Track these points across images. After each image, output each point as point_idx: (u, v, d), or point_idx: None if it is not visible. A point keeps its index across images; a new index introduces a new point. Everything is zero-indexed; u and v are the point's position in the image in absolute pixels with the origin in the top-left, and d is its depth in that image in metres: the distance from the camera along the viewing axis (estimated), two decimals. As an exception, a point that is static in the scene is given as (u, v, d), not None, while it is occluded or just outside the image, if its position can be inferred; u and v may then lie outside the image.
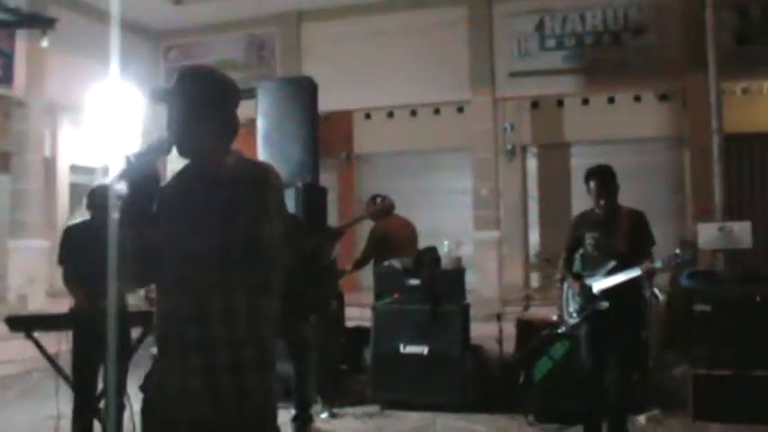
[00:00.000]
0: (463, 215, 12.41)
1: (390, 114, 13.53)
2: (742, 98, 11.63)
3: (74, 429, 5.38)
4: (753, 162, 11.57)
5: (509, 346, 7.66)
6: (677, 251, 5.63)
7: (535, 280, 13.56)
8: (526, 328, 7.69)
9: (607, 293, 5.69)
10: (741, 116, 11.23)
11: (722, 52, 10.12)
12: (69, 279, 5.61)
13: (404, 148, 13.91)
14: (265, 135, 7.63)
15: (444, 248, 7.52)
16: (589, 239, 5.86)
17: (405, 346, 7.24)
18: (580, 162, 13.47)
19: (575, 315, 5.91)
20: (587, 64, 11.44)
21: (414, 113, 13.46)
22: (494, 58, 11.83)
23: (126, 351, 5.49)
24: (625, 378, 5.78)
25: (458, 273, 7.42)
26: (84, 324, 5.15)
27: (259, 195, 2.58)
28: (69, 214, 14.25)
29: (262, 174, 2.64)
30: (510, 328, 7.71)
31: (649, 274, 5.77)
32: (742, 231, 8.50)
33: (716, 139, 8.77)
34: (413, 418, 6.89)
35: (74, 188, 14.59)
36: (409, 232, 8.69)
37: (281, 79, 7.71)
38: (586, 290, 5.79)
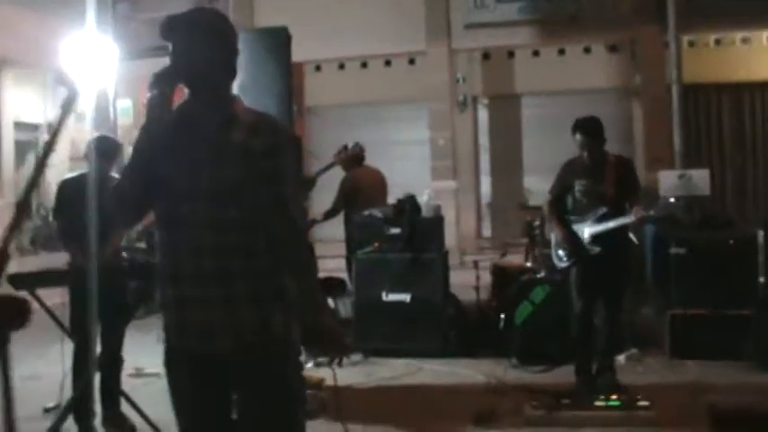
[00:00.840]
0: (418, 166, 12.52)
1: (341, 66, 13.49)
2: (688, 50, 11.93)
3: (74, 386, 5.32)
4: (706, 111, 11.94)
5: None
6: (671, 200, 5.82)
7: (486, 229, 13.81)
8: (502, 275, 7.89)
9: (597, 238, 5.88)
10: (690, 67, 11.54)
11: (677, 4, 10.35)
12: (66, 234, 5.51)
13: (355, 100, 13.90)
14: (242, 86, 7.49)
15: (424, 197, 7.60)
16: (578, 186, 6.02)
17: (387, 294, 7.35)
18: (530, 113, 13.75)
19: (565, 259, 6.07)
20: (542, 16, 11.58)
21: (364, 65, 13.45)
22: (450, 9, 11.86)
23: (123, 307, 5.46)
24: (614, 320, 6.02)
25: (438, 220, 7.52)
26: (83, 280, 5.08)
27: (282, 145, 2.68)
28: (14, 172, 13.93)
29: (280, 124, 2.78)
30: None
31: (641, 222, 5.97)
32: (700, 179, 8.81)
33: (675, 89, 9.01)
34: (397, 364, 7.01)
35: (18, 145, 14.25)
36: (379, 182, 8.75)
37: (258, 30, 7.58)
38: (574, 236, 5.96)
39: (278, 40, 7.54)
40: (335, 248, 8.69)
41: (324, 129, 14.13)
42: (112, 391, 5.44)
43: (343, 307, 8.15)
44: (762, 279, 6.70)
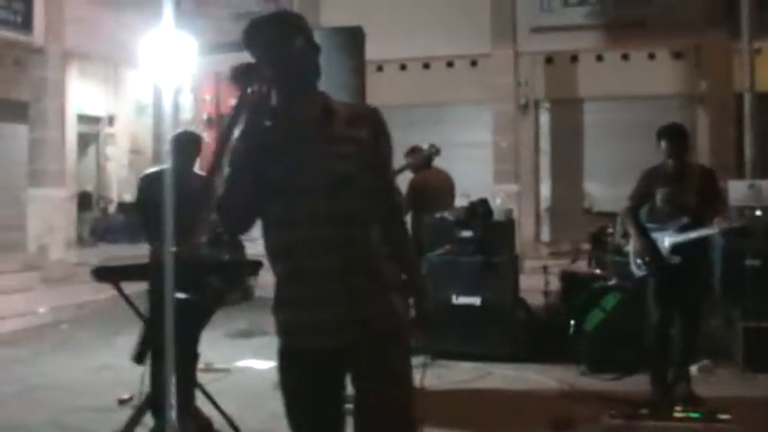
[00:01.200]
0: (479, 169, 12.50)
1: (403, 67, 13.51)
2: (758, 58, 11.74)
3: (152, 380, 5.39)
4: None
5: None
6: (758, 212, 5.75)
7: (545, 233, 13.76)
8: (571, 280, 7.85)
9: (678, 249, 5.82)
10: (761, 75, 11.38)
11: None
12: (149, 228, 5.59)
13: (418, 101, 13.90)
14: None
15: (497, 201, 7.61)
16: (660, 194, 5.96)
17: (457, 297, 7.36)
18: (592, 118, 13.65)
19: (643, 267, 6.02)
20: (608, 20, 11.50)
21: (427, 66, 13.45)
22: (516, 12, 11.83)
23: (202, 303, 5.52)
24: (692, 332, 5.97)
25: (509, 224, 7.55)
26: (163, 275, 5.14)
27: (382, 132, 2.73)
28: (76, 163, 14.16)
29: (379, 114, 2.77)
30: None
31: (723, 233, 5.92)
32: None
33: (748, 97, 8.90)
34: (466, 367, 7.01)
35: (80, 137, 14.49)
36: (447, 184, 8.76)
37: (333, 28, 7.62)
38: (653, 245, 5.90)
39: (353, 39, 7.59)
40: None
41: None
42: (188, 386, 5.51)
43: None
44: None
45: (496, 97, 12.01)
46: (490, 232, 7.42)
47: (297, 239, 2.61)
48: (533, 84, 13.47)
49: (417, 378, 2.76)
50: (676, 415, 5.28)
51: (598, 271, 7.74)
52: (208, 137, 13.64)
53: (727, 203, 6.07)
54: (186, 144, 5.55)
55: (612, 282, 7.17)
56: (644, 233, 6.00)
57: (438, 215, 7.66)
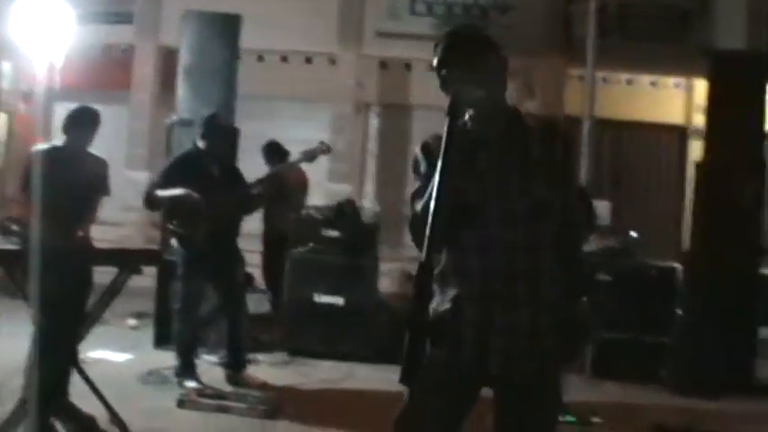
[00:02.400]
0: (315, 167, 12.38)
1: (260, 58, 13.13)
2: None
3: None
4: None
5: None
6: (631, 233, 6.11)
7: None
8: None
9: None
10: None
11: (579, 42, 10.89)
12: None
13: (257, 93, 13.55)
14: (188, 70, 7.31)
15: (365, 202, 7.62)
16: None
17: (319, 296, 7.31)
18: (420, 126, 13.96)
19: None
20: (453, 33, 11.82)
21: (284, 59, 13.08)
22: (364, 15, 11.91)
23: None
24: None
25: (375, 226, 7.58)
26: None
27: (571, 154, 2.73)
28: None
29: (569, 134, 2.80)
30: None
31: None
32: (603, 209, 9.30)
33: (587, 123, 9.50)
34: (326, 366, 6.98)
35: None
36: (303, 181, 8.71)
37: (210, 14, 7.36)
38: None
39: (230, 26, 7.41)
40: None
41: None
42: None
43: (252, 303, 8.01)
44: (679, 311, 7.15)
45: (336, 97, 12.03)
46: (356, 233, 7.43)
47: (490, 266, 2.54)
48: (366, 86, 13.53)
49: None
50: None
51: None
52: (23, 109, 12.71)
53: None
54: (82, 121, 5.16)
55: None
56: None
57: (305, 212, 7.57)
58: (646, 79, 12.99)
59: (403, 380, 2.26)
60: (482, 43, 2.67)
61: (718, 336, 6.90)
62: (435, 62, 2.68)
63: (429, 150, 2.70)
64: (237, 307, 6.28)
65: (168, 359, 6.42)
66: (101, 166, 5.29)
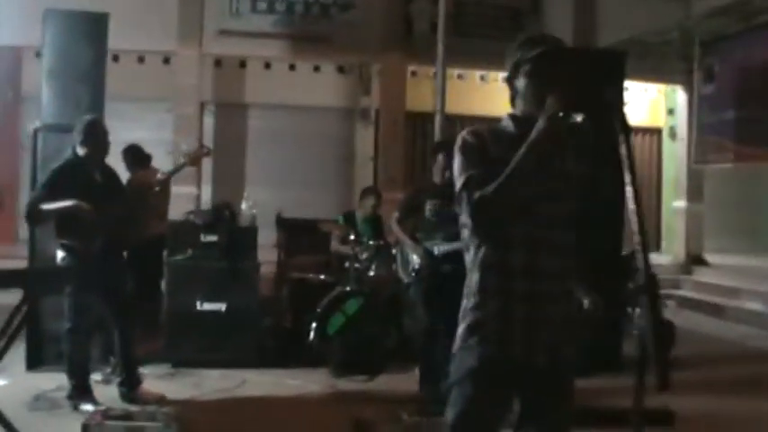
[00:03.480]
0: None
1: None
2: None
3: None
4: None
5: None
6: None
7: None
8: (299, 287, 7.96)
9: (448, 257, 6.26)
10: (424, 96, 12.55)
11: (419, 39, 11.24)
12: None
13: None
14: (51, 71, 6.88)
15: (243, 205, 7.49)
16: (429, 206, 6.35)
17: (201, 304, 7.13)
18: (256, 124, 13.88)
19: (412, 274, 6.38)
20: (294, 31, 11.82)
21: (116, 59, 12.54)
22: (204, 13, 11.64)
23: None
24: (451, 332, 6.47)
25: (253, 230, 7.46)
26: None
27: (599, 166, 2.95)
28: None
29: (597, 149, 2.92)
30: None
31: None
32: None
33: (438, 117, 9.77)
34: (214, 375, 6.81)
35: None
36: (166, 186, 8.42)
37: (74, 13, 6.94)
38: (428, 252, 6.30)
39: (97, 25, 7.06)
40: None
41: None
42: None
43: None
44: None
45: (179, 97, 11.68)
46: (235, 237, 7.30)
47: (526, 264, 2.73)
48: (200, 86, 13.27)
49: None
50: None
51: (322, 277, 7.96)
52: None
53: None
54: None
55: (350, 288, 7.41)
56: (417, 240, 6.37)
57: (183, 218, 7.34)
58: (476, 74, 13.57)
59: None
60: (563, 53, 2.83)
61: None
62: (522, 66, 2.79)
63: (482, 137, 2.81)
64: (128, 320, 6.01)
65: (45, 382, 6.07)
66: None
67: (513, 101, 2.89)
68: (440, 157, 6.34)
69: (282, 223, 8.66)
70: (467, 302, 2.87)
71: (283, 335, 7.66)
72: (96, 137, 5.79)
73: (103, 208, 5.61)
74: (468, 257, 2.90)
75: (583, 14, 11.76)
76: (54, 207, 5.51)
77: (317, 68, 13.50)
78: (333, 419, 5.78)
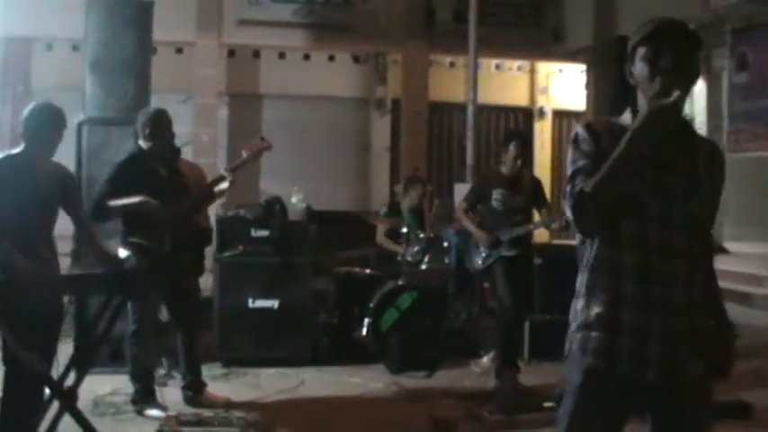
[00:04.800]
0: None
1: (75, 48, 12.17)
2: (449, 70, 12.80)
3: None
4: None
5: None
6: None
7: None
8: (345, 282, 7.75)
9: (514, 242, 6.26)
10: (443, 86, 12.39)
11: (440, 28, 11.06)
12: None
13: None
14: (95, 63, 6.63)
15: (293, 199, 7.27)
16: (496, 195, 6.30)
17: (253, 301, 6.92)
18: (271, 115, 13.64)
19: (480, 262, 6.35)
20: (315, 20, 11.60)
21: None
22: (223, 2, 11.38)
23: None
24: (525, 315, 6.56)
25: (304, 224, 7.26)
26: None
27: (723, 177, 2.66)
28: None
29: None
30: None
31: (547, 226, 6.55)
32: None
33: (470, 107, 9.60)
34: (270, 374, 6.62)
35: None
36: (201, 177, 8.17)
37: (117, 1, 6.68)
38: (496, 238, 6.26)
39: (141, 14, 6.83)
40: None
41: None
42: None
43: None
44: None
45: (198, 89, 11.42)
46: (286, 231, 7.08)
47: (645, 267, 2.48)
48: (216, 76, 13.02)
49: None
50: (546, 405, 5.59)
51: (368, 271, 7.76)
52: None
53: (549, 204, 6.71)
54: (45, 122, 4.51)
55: (403, 282, 7.24)
56: (484, 228, 6.34)
57: (232, 212, 7.11)
58: (492, 63, 13.40)
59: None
60: (696, 42, 2.55)
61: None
62: (644, 49, 2.51)
63: (595, 130, 2.57)
64: (194, 322, 5.80)
65: (98, 385, 5.81)
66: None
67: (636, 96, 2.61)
68: (511, 147, 6.28)
69: (312, 216, 8.44)
70: (575, 302, 2.66)
71: (332, 331, 7.44)
72: (163, 129, 5.54)
73: (170, 205, 5.39)
74: (580, 255, 2.65)
75: (604, 3, 11.60)
76: (122, 203, 5.26)
77: (331, 58, 13.28)
78: (408, 418, 5.62)
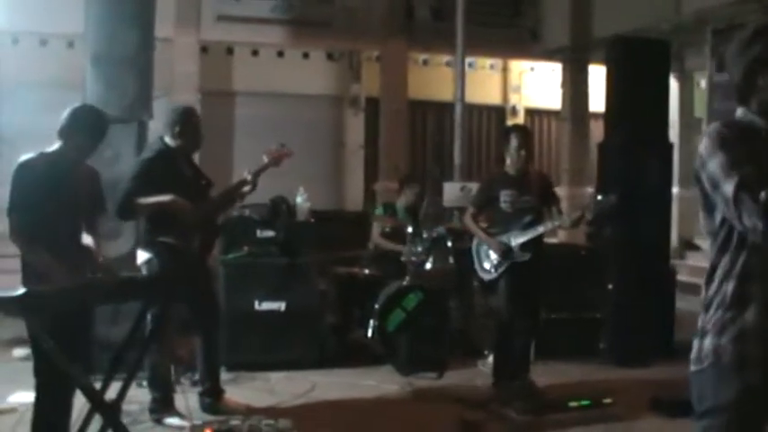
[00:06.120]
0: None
1: (44, 43, 11.88)
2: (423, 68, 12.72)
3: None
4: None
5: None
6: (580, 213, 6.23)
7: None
8: (345, 283, 7.64)
9: (526, 246, 6.08)
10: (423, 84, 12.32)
11: (420, 26, 11.00)
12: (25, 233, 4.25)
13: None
14: (96, 58, 6.43)
15: (298, 198, 7.14)
16: (504, 197, 6.13)
17: (260, 303, 6.78)
18: (244, 112, 13.45)
19: (492, 271, 6.16)
20: (294, 16, 11.44)
21: (71, 45, 11.92)
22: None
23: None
24: (536, 323, 6.33)
25: (310, 224, 7.13)
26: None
27: None
28: None
29: None
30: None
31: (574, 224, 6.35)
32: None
33: (458, 106, 9.55)
34: (280, 378, 6.49)
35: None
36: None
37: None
38: (504, 245, 6.09)
39: (142, 7, 6.67)
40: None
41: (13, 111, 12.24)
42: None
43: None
44: (610, 286, 7.42)
45: (177, 86, 11.16)
46: (292, 232, 6.96)
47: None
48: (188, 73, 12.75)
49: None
50: (571, 405, 5.58)
51: (367, 271, 7.65)
52: None
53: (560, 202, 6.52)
54: (83, 123, 4.35)
55: (408, 282, 7.15)
56: (491, 235, 6.15)
57: (237, 213, 6.95)
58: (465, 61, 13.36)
59: None
60: None
61: (643, 309, 7.30)
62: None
63: (737, 133, 2.51)
64: (215, 326, 5.65)
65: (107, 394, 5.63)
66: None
67: (745, 99, 2.58)
68: (512, 137, 6.14)
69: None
70: (716, 311, 2.50)
71: (337, 332, 7.34)
72: (194, 127, 5.39)
73: (204, 204, 5.27)
74: (717, 261, 2.54)
75: (580, 3, 11.67)
76: (150, 201, 5.10)
77: (306, 55, 13.14)
78: (434, 420, 5.57)
